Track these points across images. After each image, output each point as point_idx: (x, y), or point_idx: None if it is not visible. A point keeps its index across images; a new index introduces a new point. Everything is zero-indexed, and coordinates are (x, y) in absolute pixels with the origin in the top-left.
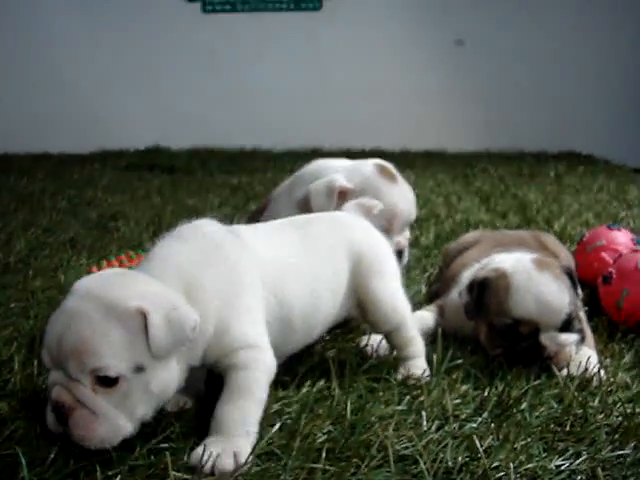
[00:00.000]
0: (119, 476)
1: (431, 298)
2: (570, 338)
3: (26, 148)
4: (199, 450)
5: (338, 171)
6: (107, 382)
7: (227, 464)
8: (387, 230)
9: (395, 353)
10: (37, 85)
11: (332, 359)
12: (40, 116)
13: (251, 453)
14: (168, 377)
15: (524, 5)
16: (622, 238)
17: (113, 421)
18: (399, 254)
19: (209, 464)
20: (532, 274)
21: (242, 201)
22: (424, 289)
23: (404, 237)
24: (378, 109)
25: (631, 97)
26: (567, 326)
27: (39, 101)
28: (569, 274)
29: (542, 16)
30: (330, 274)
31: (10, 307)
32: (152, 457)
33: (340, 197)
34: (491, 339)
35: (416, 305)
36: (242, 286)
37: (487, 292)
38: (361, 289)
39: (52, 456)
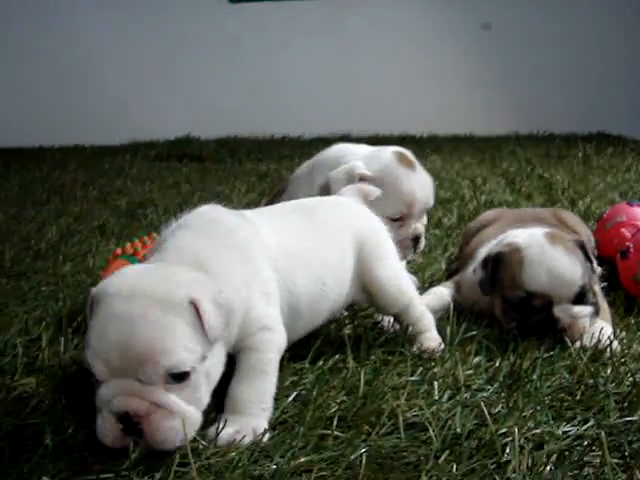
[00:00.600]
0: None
1: (449, 275)
2: (584, 310)
3: (59, 141)
4: (216, 426)
5: (358, 158)
6: (179, 378)
7: (245, 440)
8: (405, 216)
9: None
10: (69, 80)
11: (348, 334)
12: (72, 110)
13: (268, 429)
14: (221, 361)
15: None
16: None
17: (190, 415)
18: (416, 240)
19: (225, 439)
20: (545, 248)
21: (269, 187)
22: (444, 267)
23: (421, 223)
24: (405, 94)
25: None
26: (580, 299)
27: (71, 96)
28: (582, 247)
29: None
30: (336, 261)
31: (41, 290)
32: None
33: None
34: (505, 313)
35: (435, 282)
36: (256, 269)
37: (501, 266)
38: (365, 275)
39: (74, 426)
